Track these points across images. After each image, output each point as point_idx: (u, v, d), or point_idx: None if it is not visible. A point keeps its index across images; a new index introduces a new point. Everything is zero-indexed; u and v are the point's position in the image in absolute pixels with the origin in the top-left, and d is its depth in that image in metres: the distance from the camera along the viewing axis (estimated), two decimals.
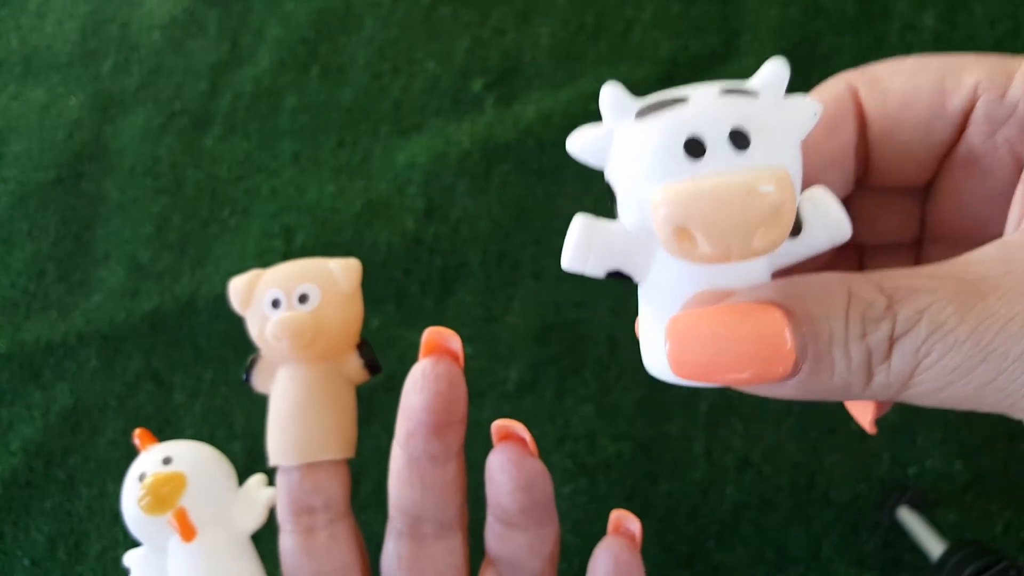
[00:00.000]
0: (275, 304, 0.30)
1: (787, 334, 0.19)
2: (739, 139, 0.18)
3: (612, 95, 0.19)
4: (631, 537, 0.29)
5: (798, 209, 0.21)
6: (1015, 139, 0.23)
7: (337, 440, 0.31)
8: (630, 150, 0.19)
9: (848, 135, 0.25)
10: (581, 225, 0.21)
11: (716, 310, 0.20)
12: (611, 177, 0.20)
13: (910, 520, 0.68)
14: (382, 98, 0.82)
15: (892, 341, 0.19)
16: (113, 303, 0.75)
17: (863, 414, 0.27)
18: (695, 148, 0.18)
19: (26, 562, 0.63)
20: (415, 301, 0.73)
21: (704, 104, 0.19)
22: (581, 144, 0.20)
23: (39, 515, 0.66)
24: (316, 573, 0.30)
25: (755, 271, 0.20)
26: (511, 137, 0.77)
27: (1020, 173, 0.23)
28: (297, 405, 0.30)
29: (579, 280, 0.77)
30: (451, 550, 0.30)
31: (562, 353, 0.75)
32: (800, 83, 0.72)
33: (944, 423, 0.71)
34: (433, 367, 0.27)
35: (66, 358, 0.73)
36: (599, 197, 0.75)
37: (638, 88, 0.69)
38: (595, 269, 0.21)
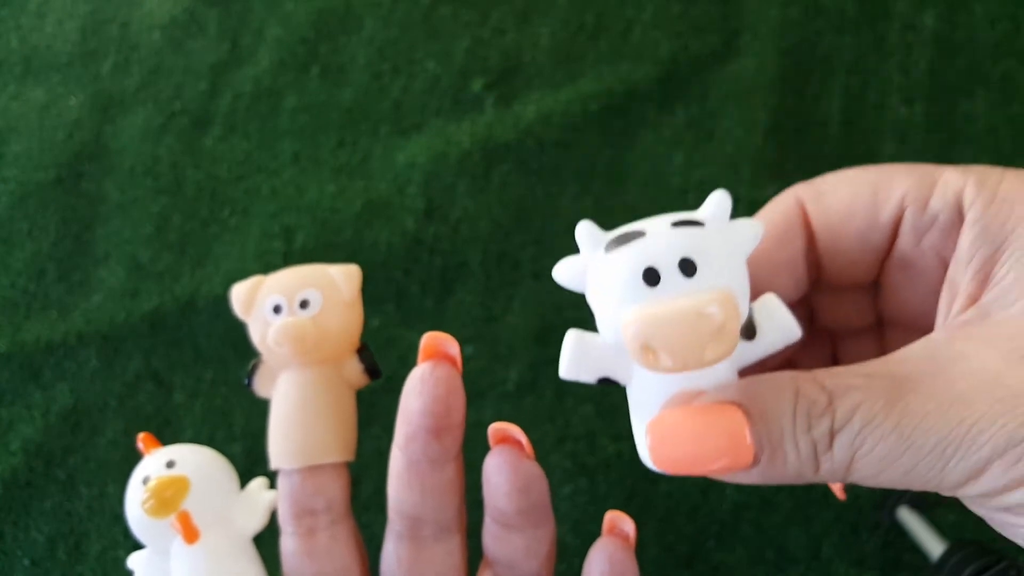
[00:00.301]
0: (276, 310, 0.30)
1: (747, 432, 0.23)
2: (687, 267, 0.21)
3: (585, 231, 0.23)
4: (625, 538, 0.29)
5: (751, 315, 0.25)
6: (939, 245, 0.27)
7: (337, 443, 0.31)
8: (600, 280, 0.23)
9: (796, 245, 0.29)
10: (573, 340, 0.24)
11: (687, 412, 0.23)
12: (589, 301, 0.23)
13: (910, 520, 0.68)
14: (382, 98, 0.82)
15: (832, 434, 0.22)
16: (113, 303, 0.75)
17: (834, 484, 0.31)
18: (651, 277, 0.21)
19: (26, 562, 0.63)
20: (415, 301, 0.73)
21: (657, 237, 0.22)
22: (564, 275, 0.24)
23: (39, 515, 0.66)
24: (317, 575, 0.30)
25: (721, 372, 0.24)
26: (511, 137, 0.77)
27: (946, 272, 0.26)
28: (298, 409, 0.31)
29: None
30: (450, 552, 0.30)
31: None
32: (800, 83, 0.72)
33: None
34: (431, 371, 0.27)
35: (66, 358, 0.73)
36: (599, 197, 0.76)
37: (638, 89, 0.68)
38: (588, 377, 0.25)
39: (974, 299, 0.24)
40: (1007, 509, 0.23)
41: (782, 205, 0.29)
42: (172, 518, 0.30)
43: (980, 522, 0.26)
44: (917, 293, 0.28)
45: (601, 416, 0.74)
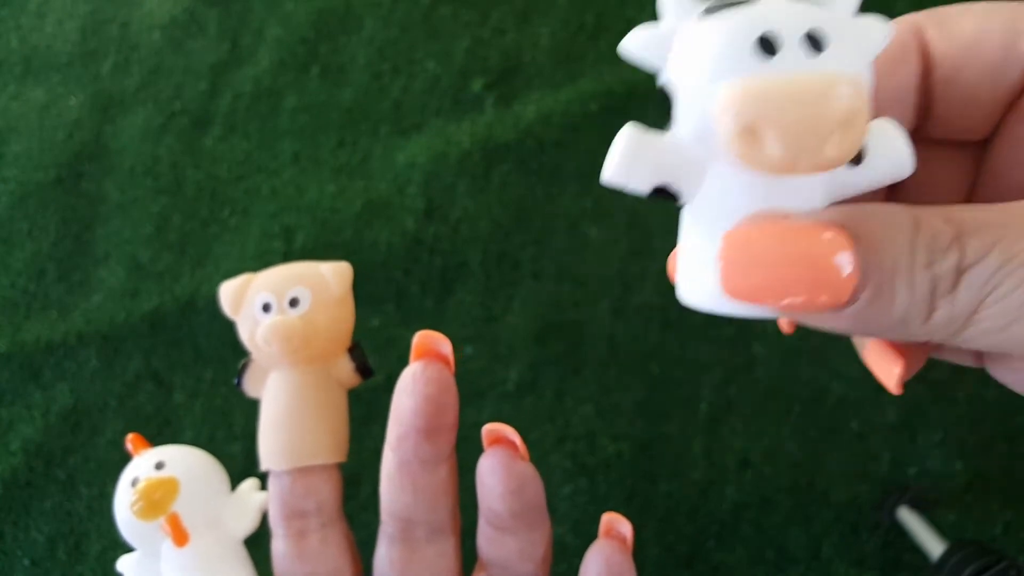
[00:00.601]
0: (266, 308, 0.30)
1: (848, 258, 0.18)
2: (814, 42, 0.17)
3: None
4: (622, 540, 0.29)
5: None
6: None
7: (328, 444, 0.31)
8: (696, 47, 0.18)
9: (910, 74, 0.24)
10: (630, 134, 0.19)
11: (776, 228, 0.19)
12: (670, 78, 0.19)
13: (910, 520, 0.68)
14: (382, 98, 0.82)
15: (960, 272, 0.18)
16: (113, 303, 0.75)
17: (888, 373, 0.25)
18: (767, 46, 0.17)
19: (26, 562, 0.63)
20: (415, 301, 0.73)
21: (778, 4, 0.18)
22: (639, 42, 0.19)
23: (39, 515, 0.66)
24: None
25: (814, 196, 0.19)
26: (511, 137, 0.77)
27: None
28: (288, 409, 0.30)
29: (579, 280, 0.77)
30: (443, 554, 0.30)
31: (562, 353, 0.75)
32: None
33: (944, 423, 0.71)
34: (423, 371, 0.27)
35: (66, 358, 0.73)
36: (599, 197, 0.75)
37: (638, 89, 0.69)
38: (641, 183, 0.19)
39: None
40: None
41: (899, 26, 0.24)
42: (161, 520, 0.29)
43: (980, 522, 0.26)
44: None
45: (601, 416, 0.74)
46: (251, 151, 0.81)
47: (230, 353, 0.71)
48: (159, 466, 0.31)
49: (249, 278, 0.30)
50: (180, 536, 0.29)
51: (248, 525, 0.31)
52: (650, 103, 0.78)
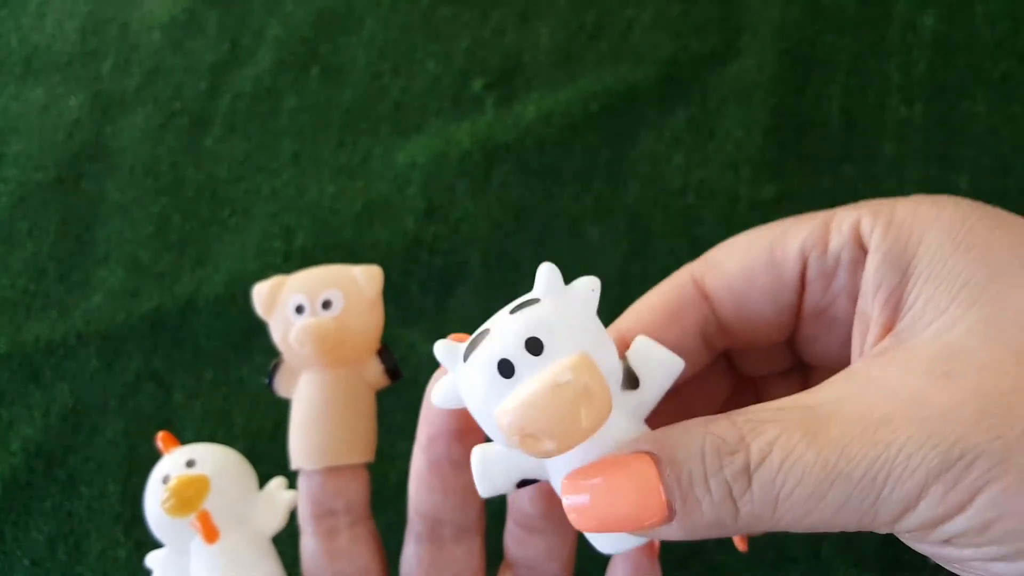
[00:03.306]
0: (299, 310, 0.31)
1: (655, 479, 0.21)
2: (533, 346, 0.21)
3: (443, 350, 0.24)
4: (649, 543, 0.29)
5: (628, 364, 0.25)
6: (848, 286, 0.25)
7: (359, 445, 0.31)
8: (467, 390, 0.23)
9: (687, 321, 0.28)
10: (478, 458, 0.24)
11: (595, 467, 0.22)
12: (471, 413, 0.24)
13: None
14: (382, 98, 0.82)
15: (749, 473, 0.21)
16: (113, 303, 0.75)
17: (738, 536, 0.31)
18: (505, 369, 0.21)
19: (26, 562, 0.63)
20: (415, 301, 0.73)
21: (499, 328, 0.22)
22: (441, 398, 0.24)
23: (39, 515, 0.66)
24: (337, 575, 0.30)
25: (626, 429, 0.24)
26: (511, 137, 0.77)
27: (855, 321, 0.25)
28: (320, 410, 0.31)
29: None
30: (470, 552, 0.30)
31: None
32: (800, 82, 0.73)
33: None
34: None
35: (66, 358, 0.73)
36: (599, 197, 0.76)
37: (638, 89, 0.69)
38: (505, 487, 0.25)
39: (888, 328, 0.23)
40: (949, 541, 0.21)
41: (673, 282, 0.28)
42: (192, 517, 0.30)
43: None
44: (836, 339, 0.27)
45: None
46: (251, 151, 0.81)
47: (230, 353, 0.71)
48: (190, 464, 0.31)
49: (282, 279, 0.31)
50: (210, 533, 0.30)
51: (277, 523, 0.32)
52: (650, 103, 0.78)
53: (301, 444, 0.30)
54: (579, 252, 0.74)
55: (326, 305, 0.30)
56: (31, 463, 0.69)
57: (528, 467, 0.24)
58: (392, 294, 0.77)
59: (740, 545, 0.32)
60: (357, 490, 0.31)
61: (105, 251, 0.79)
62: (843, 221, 0.25)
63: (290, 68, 0.85)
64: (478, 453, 0.25)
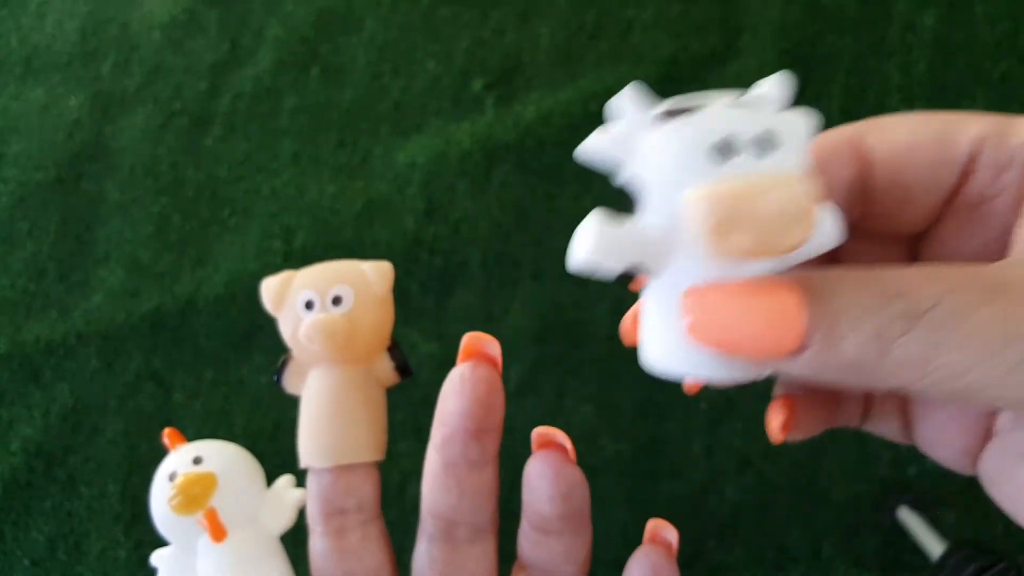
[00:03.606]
0: (308, 306, 0.30)
1: (800, 306, 0.20)
2: (763, 143, 0.19)
3: (632, 97, 0.20)
4: (667, 546, 0.29)
5: None
6: (1018, 183, 0.24)
7: (369, 442, 0.31)
8: (656, 151, 0.20)
9: (842, 174, 0.26)
10: (599, 228, 0.21)
11: (735, 284, 0.20)
12: (634, 178, 0.20)
13: (910, 520, 0.68)
14: (382, 98, 0.82)
15: (912, 317, 0.19)
16: (113, 303, 0.75)
17: (773, 421, 0.28)
18: (724, 150, 0.19)
19: (26, 562, 0.63)
20: (415, 301, 0.73)
21: (726, 111, 0.20)
22: (598, 146, 0.21)
23: (39, 515, 0.66)
24: (347, 575, 0.30)
25: (764, 267, 0.21)
26: (511, 137, 0.77)
27: (1019, 214, 0.24)
28: (329, 407, 0.30)
29: (579, 280, 0.77)
30: (484, 554, 0.30)
31: (562, 353, 0.75)
32: (800, 83, 0.73)
33: None
34: (472, 372, 0.27)
35: (66, 358, 0.73)
36: (599, 197, 0.75)
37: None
38: (612, 264, 0.21)
39: None
40: None
41: (834, 133, 0.26)
42: (199, 515, 0.29)
43: (980, 522, 0.26)
44: (983, 235, 0.25)
45: (601, 416, 0.74)
46: (251, 151, 0.81)
47: (230, 353, 0.71)
48: (197, 461, 0.31)
49: (291, 275, 0.30)
50: (218, 531, 0.29)
51: (285, 521, 0.31)
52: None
53: (311, 442, 0.30)
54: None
55: (336, 301, 0.30)
56: (31, 463, 0.69)
57: (652, 259, 0.21)
58: (395, 294, 0.78)
59: (777, 436, 0.28)
60: (368, 488, 0.30)
61: (105, 251, 0.79)
62: None
63: (290, 68, 0.85)
64: (601, 218, 0.21)
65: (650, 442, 0.72)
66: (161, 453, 0.34)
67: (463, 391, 0.26)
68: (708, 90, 0.21)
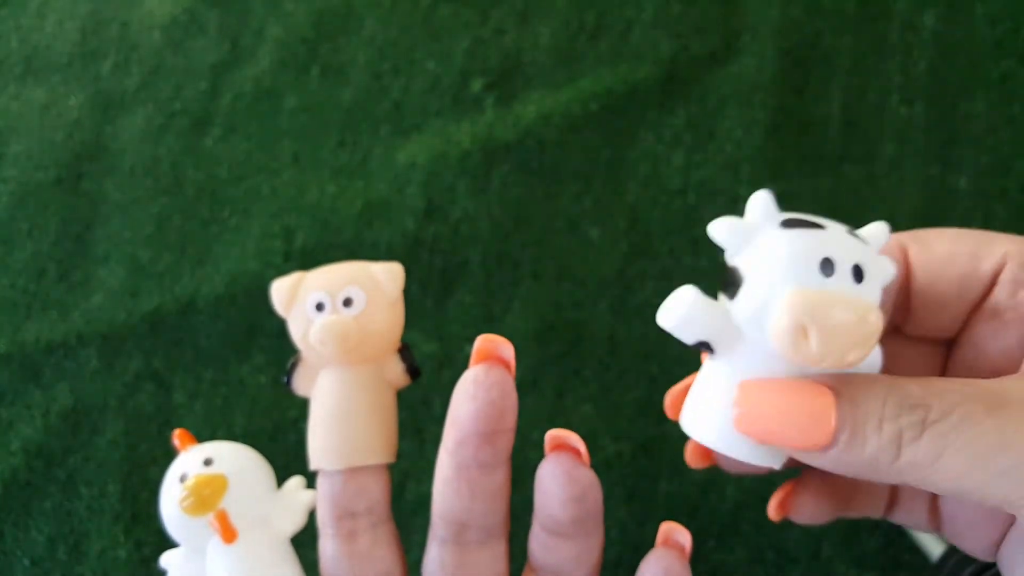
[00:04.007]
0: (319, 307, 0.30)
1: (832, 409, 0.23)
2: (858, 272, 0.22)
3: (765, 200, 0.24)
4: (681, 549, 0.29)
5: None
6: None
7: (380, 444, 0.30)
8: (772, 250, 0.23)
9: (896, 281, 0.29)
10: (694, 296, 0.24)
11: (781, 382, 0.24)
12: (743, 265, 0.24)
13: None
14: (382, 98, 0.82)
15: (924, 425, 0.22)
16: (113, 303, 0.75)
17: (775, 497, 0.32)
18: (827, 267, 0.22)
19: (26, 562, 0.63)
20: (415, 301, 0.73)
21: (838, 235, 0.23)
22: (725, 231, 0.24)
23: (39, 515, 0.66)
24: None
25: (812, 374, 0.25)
26: (511, 137, 0.77)
27: None
28: (340, 409, 0.30)
29: (579, 280, 0.77)
30: (496, 557, 0.30)
31: (562, 353, 0.75)
32: (800, 83, 0.72)
33: None
34: (486, 375, 0.27)
35: (66, 358, 0.73)
36: (599, 197, 0.76)
37: (639, 89, 0.69)
38: (691, 337, 0.24)
39: None
40: None
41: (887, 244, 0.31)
42: (210, 517, 0.29)
43: None
44: (999, 347, 0.29)
45: (601, 416, 0.74)
46: (251, 151, 0.81)
47: (230, 353, 0.71)
48: (207, 462, 0.31)
49: (301, 276, 0.30)
50: (228, 533, 0.29)
51: (296, 523, 0.31)
52: (650, 103, 0.78)
53: (321, 444, 0.30)
54: (579, 252, 0.74)
55: (347, 303, 0.30)
56: (31, 463, 0.69)
57: (727, 338, 0.24)
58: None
59: (774, 514, 0.33)
60: (378, 491, 0.30)
61: (105, 251, 0.79)
62: None
63: (290, 68, 0.85)
64: (696, 294, 0.24)
65: (650, 442, 0.72)
66: (161, 453, 0.34)
67: (476, 394, 0.26)
68: (826, 219, 0.24)
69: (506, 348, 0.26)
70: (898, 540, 0.67)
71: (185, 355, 0.71)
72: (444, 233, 0.75)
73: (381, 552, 0.30)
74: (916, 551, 0.65)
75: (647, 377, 0.74)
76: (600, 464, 0.72)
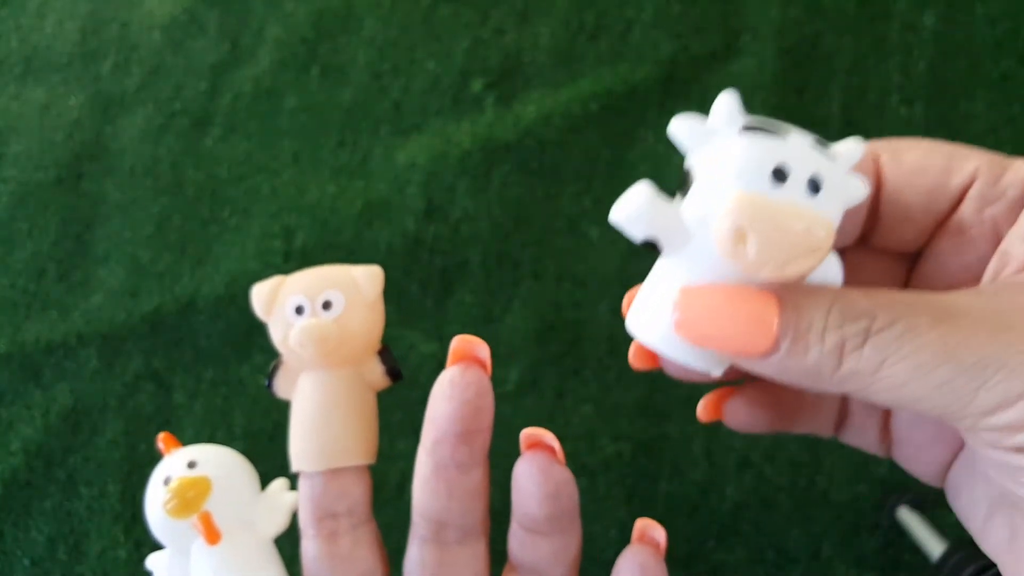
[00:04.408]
0: (299, 311, 0.30)
1: (775, 315, 0.23)
2: (813, 185, 0.22)
3: (729, 102, 0.23)
4: (656, 545, 0.29)
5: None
6: (999, 217, 0.27)
7: (360, 446, 0.31)
8: (726, 154, 0.23)
9: (865, 203, 0.29)
10: (647, 193, 0.23)
11: (724, 288, 0.23)
12: (696, 167, 0.23)
13: (910, 520, 0.68)
14: (382, 98, 0.82)
15: (867, 335, 0.22)
16: (113, 303, 0.75)
17: (705, 399, 0.32)
18: (780, 175, 0.22)
19: (26, 562, 0.63)
20: (415, 301, 0.73)
21: (798, 145, 0.23)
22: (684, 130, 0.23)
23: (39, 515, 0.66)
24: None
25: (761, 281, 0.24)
26: (511, 137, 0.77)
27: (998, 246, 0.27)
28: (320, 411, 0.31)
29: (579, 280, 0.77)
30: (475, 556, 0.30)
31: (562, 353, 0.75)
32: (800, 83, 0.73)
33: None
34: (462, 375, 0.27)
35: (66, 358, 0.73)
36: (599, 197, 0.76)
37: (638, 89, 0.68)
38: (639, 233, 0.24)
39: None
40: (1020, 448, 0.22)
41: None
42: (193, 519, 0.29)
43: None
44: (961, 264, 0.29)
45: (601, 416, 0.74)
46: (251, 151, 0.81)
47: (230, 353, 0.71)
48: (191, 465, 0.31)
49: (281, 280, 0.31)
50: (212, 534, 0.29)
51: (279, 525, 0.31)
52: (650, 103, 0.78)
53: (301, 446, 0.30)
54: (579, 252, 0.74)
55: (326, 306, 0.30)
56: (31, 463, 0.69)
57: (675, 238, 0.24)
58: (392, 294, 0.78)
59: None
60: (359, 492, 0.31)
61: (105, 251, 0.79)
62: (1022, 167, 0.27)
63: (290, 68, 0.85)
64: (648, 189, 0.23)
65: (650, 442, 0.72)
66: (161, 453, 0.34)
67: (452, 395, 0.27)
68: (789, 124, 0.23)
69: (482, 348, 0.27)
70: (898, 540, 0.67)
71: (185, 355, 0.71)
72: (444, 233, 0.75)
73: (362, 552, 0.30)
74: (916, 551, 0.65)
75: (647, 377, 0.74)
76: (600, 464, 0.72)
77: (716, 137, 0.23)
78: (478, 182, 0.76)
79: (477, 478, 0.28)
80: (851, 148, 0.24)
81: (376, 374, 0.31)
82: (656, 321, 0.25)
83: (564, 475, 0.27)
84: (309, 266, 0.33)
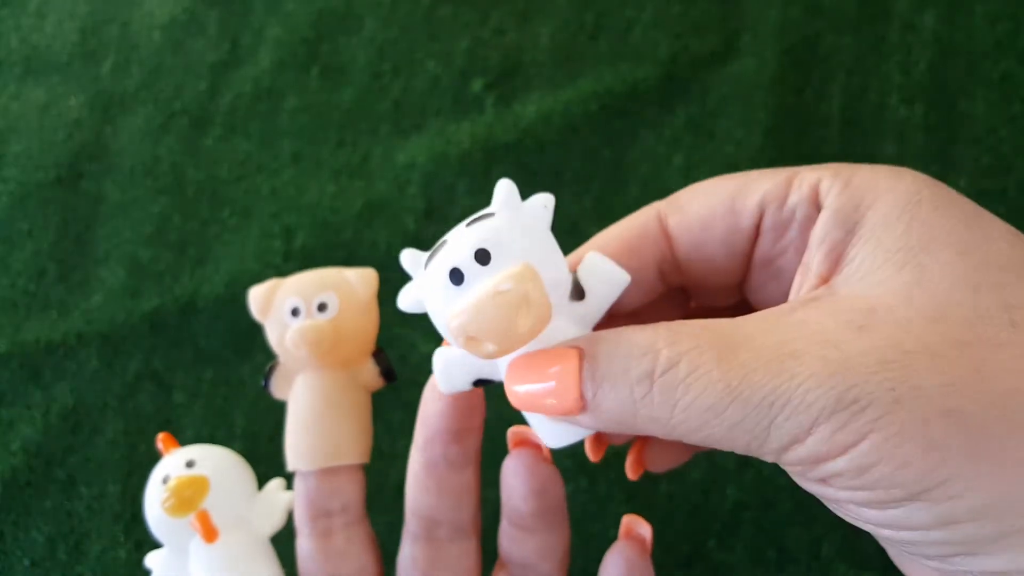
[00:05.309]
0: (294, 312, 0.31)
1: (577, 370, 0.23)
2: (482, 256, 0.23)
3: (408, 257, 0.26)
4: (641, 542, 0.30)
5: (576, 276, 0.26)
6: (798, 241, 0.27)
7: (355, 446, 0.31)
8: (425, 295, 0.25)
9: (649, 254, 0.29)
10: (440, 358, 0.26)
11: (535, 353, 0.24)
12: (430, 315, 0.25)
13: None
14: (382, 98, 0.82)
15: (653, 379, 0.22)
16: (113, 303, 0.75)
17: (628, 458, 0.34)
18: (456, 276, 0.24)
19: (26, 562, 0.63)
20: None
21: (454, 239, 0.25)
22: (406, 302, 0.26)
23: (39, 515, 0.66)
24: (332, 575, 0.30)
25: (572, 334, 0.25)
26: (511, 137, 0.77)
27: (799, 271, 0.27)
28: (315, 412, 0.31)
29: None
30: (466, 553, 0.30)
31: None
32: (800, 82, 0.73)
33: None
34: None
35: (66, 358, 0.73)
36: (599, 197, 0.76)
37: (638, 89, 0.69)
38: (463, 385, 0.26)
39: (824, 280, 0.25)
40: (827, 480, 0.22)
41: (639, 217, 0.31)
42: (191, 517, 0.30)
43: None
44: (780, 289, 0.29)
45: None
46: (251, 151, 0.81)
47: (230, 353, 0.71)
48: (190, 464, 0.31)
49: (277, 282, 0.31)
50: (210, 533, 0.30)
51: (275, 523, 0.32)
52: (650, 103, 0.78)
53: (297, 445, 0.30)
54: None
55: (321, 308, 0.31)
56: (31, 463, 0.69)
57: (482, 368, 0.26)
58: (392, 294, 0.78)
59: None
60: (353, 491, 0.31)
61: (105, 251, 0.79)
62: (804, 179, 0.26)
63: (290, 68, 0.85)
64: (440, 354, 0.26)
65: None
66: (160, 453, 0.34)
67: (443, 394, 0.27)
68: (464, 219, 0.26)
69: None
70: None
71: (185, 355, 0.71)
72: (444, 233, 0.75)
73: (356, 550, 0.31)
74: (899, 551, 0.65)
75: None
76: (600, 464, 0.72)
77: (419, 287, 0.25)
78: (478, 182, 0.77)
79: (468, 476, 0.28)
80: (500, 191, 0.26)
81: (370, 375, 0.31)
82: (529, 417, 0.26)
83: (550, 472, 0.28)
84: (309, 266, 0.33)
